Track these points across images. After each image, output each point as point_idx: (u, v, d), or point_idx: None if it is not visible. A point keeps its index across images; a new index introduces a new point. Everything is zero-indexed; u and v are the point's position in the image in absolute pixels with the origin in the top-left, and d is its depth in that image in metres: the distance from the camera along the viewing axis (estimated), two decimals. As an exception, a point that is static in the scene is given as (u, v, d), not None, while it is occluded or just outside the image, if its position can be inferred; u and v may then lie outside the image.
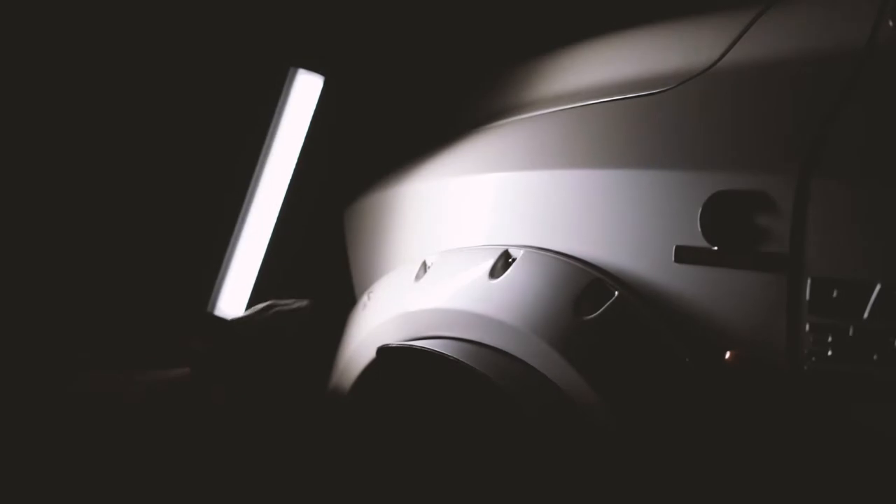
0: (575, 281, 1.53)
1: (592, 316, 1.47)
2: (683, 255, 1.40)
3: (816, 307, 1.24)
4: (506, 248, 1.69)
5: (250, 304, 2.09)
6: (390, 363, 1.72)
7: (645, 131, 1.60)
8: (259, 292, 2.11)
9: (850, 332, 1.21)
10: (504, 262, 1.67)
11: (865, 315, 1.20)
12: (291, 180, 2.12)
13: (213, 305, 2.15)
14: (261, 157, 2.15)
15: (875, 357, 1.18)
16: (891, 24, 1.34)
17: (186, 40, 2.14)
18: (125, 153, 2.12)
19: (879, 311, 1.18)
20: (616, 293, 1.48)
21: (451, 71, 2.28)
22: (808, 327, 1.24)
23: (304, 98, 2.13)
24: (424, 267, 1.84)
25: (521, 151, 1.83)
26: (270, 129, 2.14)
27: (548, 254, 1.62)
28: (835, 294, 1.22)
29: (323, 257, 2.21)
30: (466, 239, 1.81)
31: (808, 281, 1.25)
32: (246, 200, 2.16)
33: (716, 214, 1.36)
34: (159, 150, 2.15)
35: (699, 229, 1.38)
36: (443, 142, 2.09)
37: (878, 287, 1.19)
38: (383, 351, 1.68)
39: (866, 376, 1.19)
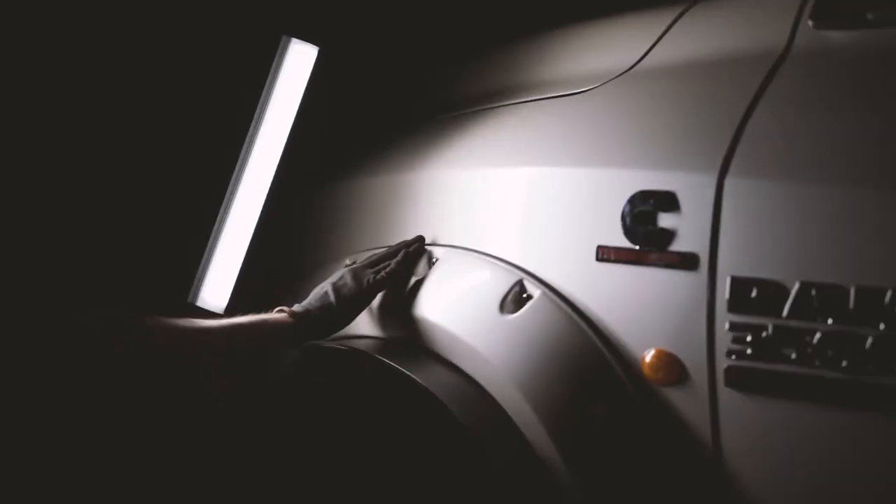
0: (497, 280, 1.50)
1: (514, 315, 1.44)
2: (605, 254, 1.38)
3: (736, 306, 1.22)
4: (429, 247, 1.67)
5: (235, 289, 1.93)
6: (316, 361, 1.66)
7: (567, 131, 1.57)
8: (245, 277, 1.94)
9: (769, 331, 1.19)
10: (427, 261, 1.65)
11: (784, 314, 1.18)
12: (281, 157, 1.94)
13: (196, 293, 1.98)
14: (249, 133, 1.96)
15: (793, 356, 1.17)
16: (810, 23, 1.32)
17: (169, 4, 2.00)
18: (106, 125, 1.96)
19: (798, 310, 1.17)
20: (538, 293, 1.44)
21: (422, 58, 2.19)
22: (727, 326, 1.22)
23: (296, 70, 1.94)
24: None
25: (444, 150, 1.79)
26: (260, 103, 1.95)
27: (470, 253, 1.60)
28: (754, 293, 1.20)
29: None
30: (390, 237, 1.76)
31: (728, 280, 1.23)
32: (232, 181, 1.97)
33: (636, 213, 1.34)
34: (141, 127, 1.99)
35: (620, 228, 1.36)
36: (382, 138, 2.05)
37: (796, 286, 1.17)
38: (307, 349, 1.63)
39: (785, 374, 1.18)
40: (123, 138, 1.95)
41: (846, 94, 1.27)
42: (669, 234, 1.30)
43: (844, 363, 1.13)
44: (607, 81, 1.58)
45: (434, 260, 1.65)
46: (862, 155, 1.18)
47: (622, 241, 1.36)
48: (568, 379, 1.38)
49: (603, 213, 1.39)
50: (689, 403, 1.28)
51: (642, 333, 1.33)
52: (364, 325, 1.68)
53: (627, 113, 1.51)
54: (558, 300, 1.43)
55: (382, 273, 1.59)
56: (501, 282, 1.50)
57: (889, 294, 1.09)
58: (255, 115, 1.92)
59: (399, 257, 1.62)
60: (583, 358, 1.38)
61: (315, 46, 1.89)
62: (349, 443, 1.52)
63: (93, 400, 1.40)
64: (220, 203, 1.94)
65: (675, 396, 1.30)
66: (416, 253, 1.64)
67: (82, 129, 1.91)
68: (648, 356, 1.31)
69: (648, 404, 1.32)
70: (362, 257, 1.74)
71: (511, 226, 1.55)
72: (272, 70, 1.91)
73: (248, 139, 1.92)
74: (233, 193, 1.94)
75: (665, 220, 1.31)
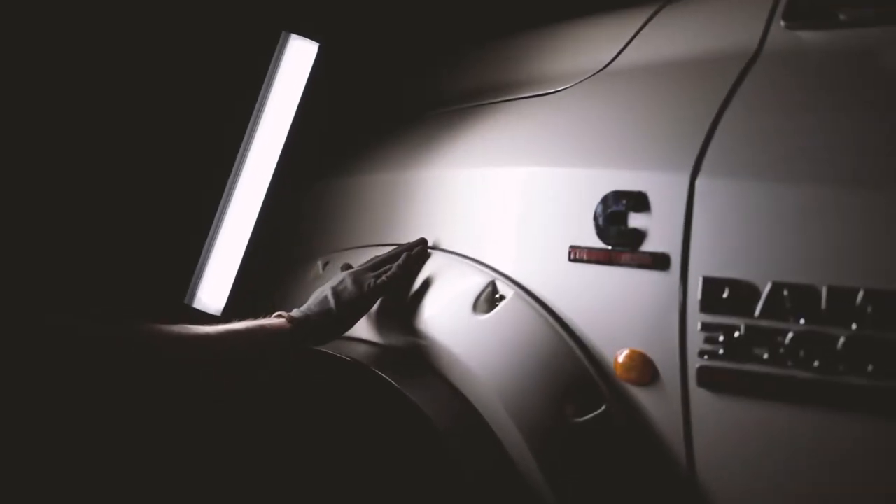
0: (470, 281, 1.49)
1: (487, 316, 1.43)
2: (577, 254, 1.36)
3: (708, 306, 1.20)
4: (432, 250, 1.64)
5: (233, 291, 1.85)
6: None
7: (540, 131, 1.56)
8: (243, 279, 1.86)
9: (742, 331, 1.18)
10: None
11: (756, 314, 1.16)
12: (280, 157, 1.85)
13: (192, 294, 1.89)
14: (248, 131, 1.88)
15: (765, 356, 1.16)
16: (782, 23, 1.32)
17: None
18: (103, 123, 1.90)
19: (770, 310, 1.15)
20: (511, 293, 1.43)
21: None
22: (699, 326, 1.21)
23: (296, 66, 1.85)
24: (320, 267, 1.79)
25: (419, 150, 1.78)
26: (259, 101, 1.86)
27: (444, 253, 1.59)
28: (725, 293, 1.19)
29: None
30: (363, 238, 1.76)
31: (700, 280, 1.21)
32: (230, 181, 1.89)
33: (609, 213, 1.33)
34: (137, 125, 1.93)
35: (593, 228, 1.34)
36: (356, 138, 2.03)
37: (768, 286, 1.16)
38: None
39: (757, 374, 1.17)
40: (120, 136, 1.90)
41: (818, 94, 1.26)
42: (641, 235, 1.29)
43: (816, 363, 1.11)
44: (580, 82, 1.56)
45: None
46: (834, 155, 1.17)
47: (594, 242, 1.34)
48: (541, 379, 1.37)
49: (575, 214, 1.37)
50: (661, 404, 1.27)
51: (615, 334, 1.32)
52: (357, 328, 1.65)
53: (600, 113, 1.50)
54: (531, 301, 1.42)
55: (383, 277, 1.53)
56: (474, 282, 1.48)
57: (861, 294, 1.08)
58: (254, 113, 1.85)
59: (401, 261, 1.56)
60: (555, 358, 1.36)
61: (315, 43, 1.83)
62: (326, 443, 1.50)
63: (87, 404, 1.37)
64: (218, 203, 1.87)
65: (648, 397, 1.28)
66: (418, 256, 1.59)
67: (79, 126, 1.86)
68: (621, 356, 1.30)
69: (621, 405, 1.31)
70: (336, 258, 1.72)
71: (483, 226, 1.54)
72: (271, 67, 1.84)
73: (246, 137, 1.86)
74: (230, 193, 1.86)
75: (637, 221, 1.30)
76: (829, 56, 1.28)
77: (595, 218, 1.34)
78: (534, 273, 1.44)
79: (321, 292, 1.51)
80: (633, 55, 1.53)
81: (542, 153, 1.51)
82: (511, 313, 1.43)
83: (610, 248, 1.32)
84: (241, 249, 1.83)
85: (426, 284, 1.55)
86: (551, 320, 1.39)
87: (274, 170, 1.82)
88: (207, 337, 1.33)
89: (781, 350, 1.14)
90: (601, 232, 1.33)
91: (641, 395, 1.29)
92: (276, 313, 1.45)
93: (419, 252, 1.59)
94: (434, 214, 1.65)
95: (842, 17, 1.24)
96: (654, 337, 1.27)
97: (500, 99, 1.71)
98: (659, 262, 1.26)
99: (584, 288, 1.37)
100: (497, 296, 1.46)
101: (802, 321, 1.13)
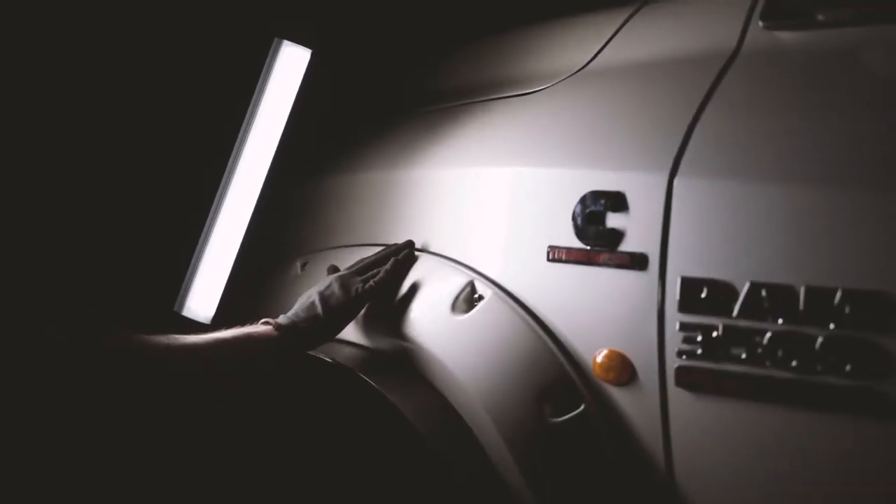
0: (449, 281, 1.48)
1: (465, 316, 1.43)
2: (556, 254, 1.36)
3: (686, 306, 1.20)
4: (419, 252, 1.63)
5: (223, 299, 1.79)
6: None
7: (519, 130, 1.55)
8: (232, 288, 1.80)
9: (720, 331, 1.17)
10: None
11: (734, 314, 1.16)
12: (272, 163, 1.80)
13: (182, 301, 1.84)
14: (239, 137, 1.82)
15: (744, 356, 1.15)
16: (760, 24, 1.31)
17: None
18: (93, 129, 1.86)
19: (748, 310, 1.15)
20: (489, 293, 1.43)
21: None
22: (677, 326, 1.20)
23: (288, 73, 1.79)
24: (299, 268, 1.78)
25: (396, 151, 1.77)
26: (250, 108, 1.81)
27: (422, 254, 1.58)
28: (704, 293, 1.18)
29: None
30: (342, 238, 1.75)
31: (678, 280, 1.21)
32: (221, 187, 1.83)
33: (587, 214, 1.32)
34: (127, 131, 1.88)
35: (571, 228, 1.34)
36: (336, 138, 2.02)
37: (746, 286, 1.15)
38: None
39: (735, 374, 1.16)
40: (110, 142, 1.86)
41: (796, 94, 1.25)
42: (620, 235, 1.28)
43: (794, 363, 1.11)
44: (558, 82, 1.56)
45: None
46: (811, 155, 1.16)
47: (573, 242, 1.34)
48: (519, 379, 1.36)
49: (554, 214, 1.37)
50: (639, 404, 1.26)
51: (593, 334, 1.32)
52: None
53: (578, 113, 1.49)
54: (510, 301, 1.41)
55: (371, 282, 1.50)
56: (453, 282, 1.47)
57: (839, 294, 1.07)
58: (246, 119, 1.80)
59: (388, 266, 1.53)
60: (534, 358, 1.35)
61: (308, 49, 1.78)
62: (307, 444, 1.50)
63: (80, 414, 1.35)
64: (208, 210, 1.82)
65: (626, 397, 1.28)
66: (405, 260, 1.55)
67: (69, 131, 1.83)
68: (600, 356, 1.29)
69: (599, 404, 1.30)
70: (314, 259, 1.70)
71: (463, 226, 1.53)
72: (263, 74, 1.80)
73: (237, 143, 1.81)
74: (221, 200, 1.81)
75: (615, 221, 1.29)
76: (808, 56, 1.27)
77: (574, 218, 1.33)
78: (512, 273, 1.43)
79: (308, 297, 1.48)
80: (611, 55, 1.52)
81: (521, 153, 1.50)
82: (489, 313, 1.42)
83: (588, 248, 1.31)
84: (231, 257, 1.79)
85: (404, 285, 1.54)
86: (530, 320, 1.38)
87: (265, 177, 1.78)
88: (196, 346, 1.31)
89: (759, 350, 1.14)
90: (580, 232, 1.33)
91: (620, 395, 1.28)
92: (263, 320, 1.42)
93: (406, 256, 1.56)
94: (412, 214, 1.64)
95: (820, 17, 1.24)
96: (632, 337, 1.26)
97: (478, 99, 1.70)
98: (637, 262, 1.25)
99: (563, 288, 1.36)
100: (476, 296, 1.45)
101: (780, 321, 1.12)
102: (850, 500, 1.11)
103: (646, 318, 1.24)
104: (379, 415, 1.38)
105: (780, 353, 1.12)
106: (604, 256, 1.30)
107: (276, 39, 1.78)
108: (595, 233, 1.31)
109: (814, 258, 1.11)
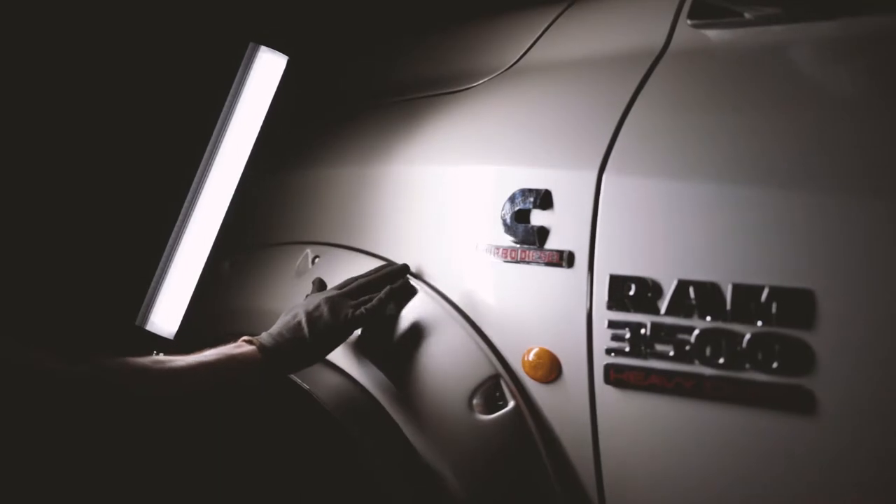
0: None
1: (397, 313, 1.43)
2: (485, 252, 1.35)
3: (614, 304, 1.20)
4: (309, 246, 1.64)
5: (188, 310, 1.68)
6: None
7: (448, 128, 1.54)
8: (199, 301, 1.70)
9: (648, 329, 1.17)
10: (311, 260, 1.62)
11: (662, 311, 1.16)
12: (243, 172, 1.68)
13: (144, 315, 1.71)
14: (210, 146, 1.70)
15: (671, 353, 1.15)
16: (688, 22, 1.31)
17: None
18: (56, 134, 1.77)
19: (675, 308, 1.15)
20: (419, 291, 1.43)
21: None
22: (606, 324, 1.20)
23: (263, 80, 1.68)
24: (227, 265, 1.77)
25: (325, 148, 1.75)
26: (222, 116, 1.69)
27: (351, 251, 1.57)
28: (632, 291, 1.18)
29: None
30: (272, 236, 1.73)
31: (607, 278, 1.20)
32: (191, 194, 1.70)
33: (517, 211, 1.31)
34: (93, 135, 1.80)
35: (501, 226, 1.33)
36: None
37: (673, 284, 1.15)
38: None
39: (663, 372, 1.16)
40: (71, 146, 1.80)
41: (724, 91, 1.25)
42: (549, 232, 1.28)
43: (722, 360, 1.11)
44: (487, 79, 1.55)
45: (315, 259, 1.61)
46: (739, 153, 1.16)
47: (502, 240, 1.33)
48: (448, 377, 1.36)
49: (483, 212, 1.36)
50: (568, 401, 1.26)
51: (523, 332, 1.31)
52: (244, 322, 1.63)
53: (507, 111, 1.49)
54: (438, 298, 1.41)
55: (362, 310, 1.39)
56: None
57: (766, 292, 1.08)
58: (218, 127, 1.69)
59: (383, 294, 1.40)
60: (464, 356, 1.35)
61: (284, 56, 1.68)
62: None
63: (56, 446, 1.29)
64: (176, 219, 1.70)
65: (555, 394, 1.27)
66: (401, 289, 1.43)
67: (31, 137, 1.77)
68: (529, 355, 1.29)
69: (528, 402, 1.30)
70: (240, 257, 1.67)
71: (392, 224, 1.53)
72: (237, 80, 1.69)
73: (208, 151, 1.70)
74: (190, 209, 1.69)
75: (544, 218, 1.29)
76: (735, 54, 1.27)
77: (502, 216, 1.33)
78: (442, 271, 1.43)
79: (293, 316, 1.38)
80: (540, 53, 1.52)
81: (449, 151, 1.49)
82: (418, 311, 1.41)
83: (517, 246, 1.31)
84: (198, 270, 1.68)
85: (333, 282, 1.51)
86: (459, 318, 1.38)
87: (236, 187, 1.68)
88: (178, 371, 1.25)
89: (687, 347, 1.14)
90: (508, 230, 1.32)
91: (549, 393, 1.28)
92: (245, 338, 1.34)
93: (402, 286, 1.44)
94: (340, 212, 1.62)
95: (747, 15, 1.24)
96: (561, 335, 1.26)
97: (406, 97, 1.68)
98: (565, 259, 1.25)
99: (493, 286, 1.36)
100: (404, 294, 1.43)
101: (708, 318, 1.12)
102: (777, 495, 1.11)
103: (574, 316, 1.24)
104: (303, 410, 1.37)
105: (707, 350, 1.12)
106: (532, 254, 1.29)
107: (251, 44, 1.69)
108: (523, 230, 1.30)
109: (741, 256, 1.11)
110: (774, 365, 1.07)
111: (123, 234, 1.80)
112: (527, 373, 1.29)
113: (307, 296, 1.45)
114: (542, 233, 1.28)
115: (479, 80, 1.57)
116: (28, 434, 1.17)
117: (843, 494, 1.06)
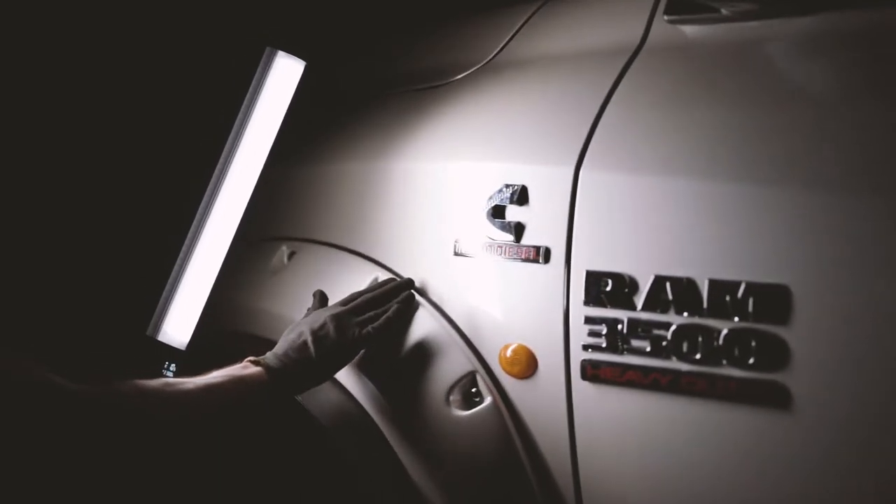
0: (353, 275, 1.48)
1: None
2: (462, 248, 1.35)
3: (591, 300, 1.19)
4: (286, 242, 1.64)
5: (199, 324, 1.64)
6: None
7: (425, 123, 1.54)
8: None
9: (624, 325, 1.16)
10: (287, 256, 1.63)
11: (639, 307, 1.15)
12: (258, 180, 1.65)
13: (157, 325, 1.68)
14: (224, 156, 1.66)
15: (648, 349, 1.14)
16: (665, 18, 1.31)
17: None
18: (68, 140, 1.75)
19: (652, 304, 1.14)
20: None
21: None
22: (582, 320, 1.19)
23: (280, 85, 1.65)
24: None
25: (305, 144, 1.75)
26: (238, 121, 1.66)
27: (329, 248, 1.58)
28: (608, 287, 1.17)
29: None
30: (248, 232, 1.68)
31: (583, 274, 1.20)
32: (204, 202, 1.67)
33: (493, 207, 1.31)
34: (104, 142, 1.78)
35: (477, 222, 1.33)
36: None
37: (650, 279, 1.14)
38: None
39: (640, 367, 1.15)
40: (83, 153, 1.77)
41: (701, 87, 1.24)
42: (525, 228, 1.27)
43: (698, 356, 1.10)
44: (464, 75, 1.55)
45: (292, 254, 1.61)
46: (715, 149, 1.15)
47: (479, 236, 1.33)
48: (426, 373, 1.35)
49: (459, 208, 1.36)
50: (545, 397, 1.25)
51: (500, 328, 1.31)
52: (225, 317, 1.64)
53: (484, 107, 1.48)
54: (416, 294, 1.41)
55: (369, 328, 1.35)
56: (357, 277, 1.47)
57: (742, 288, 1.07)
58: (234, 132, 1.66)
59: (391, 313, 1.37)
60: (441, 352, 1.35)
61: (302, 61, 1.65)
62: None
63: (69, 470, 1.27)
64: (188, 228, 1.67)
65: (532, 390, 1.27)
66: (407, 305, 1.40)
67: (43, 138, 1.74)
68: (505, 350, 1.28)
69: (506, 398, 1.30)
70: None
71: (369, 220, 1.52)
72: (254, 85, 1.66)
73: (224, 158, 1.67)
74: (204, 217, 1.66)
75: (521, 214, 1.28)
76: (712, 50, 1.27)
77: (479, 211, 1.32)
78: (419, 267, 1.42)
79: (299, 335, 1.34)
80: (517, 49, 1.52)
81: (426, 147, 1.49)
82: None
83: (495, 241, 1.30)
84: (212, 279, 1.64)
85: (309, 278, 1.53)
86: (436, 314, 1.37)
87: (251, 195, 1.65)
88: (188, 394, 1.22)
89: (664, 343, 1.13)
90: (485, 225, 1.32)
91: (526, 389, 1.27)
92: (250, 358, 1.31)
93: (406, 299, 1.41)
94: (317, 208, 1.62)
95: (724, 11, 1.24)
96: (538, 331, 1.25)
97: (382, 93, 1.68)
98: (542, 255, 1.25)
99: (470, 282, 1.35)
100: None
101: (685, 314, 1.12)
102: (754, 491, 1.10)
103: (551, 312, 1.23)
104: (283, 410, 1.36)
105: (684, 346, 1.12)
106: (509, 250, 1.29)
107: (268, 49, 1.66)
108: (501, 226, 1.30)
109: (717, 252, 1.11)
110: (750, 361, 1.07)
111: (135, 242, 1.77)
112: (504, 369, 1.29)
113: (308, 310, 1.42)
114: (519, 228, 1.28)
115: (454, 76, 1.57)
116: (43, 457, 1.14)
117: (818, 488, 1.05)
